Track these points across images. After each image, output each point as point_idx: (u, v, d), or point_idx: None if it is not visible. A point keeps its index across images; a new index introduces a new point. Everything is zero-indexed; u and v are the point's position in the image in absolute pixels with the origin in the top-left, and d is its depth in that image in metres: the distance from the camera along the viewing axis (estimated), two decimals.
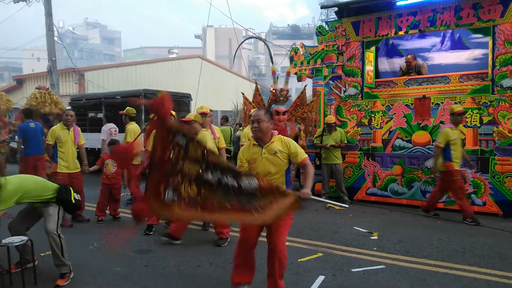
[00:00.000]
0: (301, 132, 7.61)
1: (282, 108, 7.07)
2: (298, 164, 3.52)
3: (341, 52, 8.38)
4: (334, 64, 8.73)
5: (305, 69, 9.27)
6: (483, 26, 6.85)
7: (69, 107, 12.42)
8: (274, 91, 7.22)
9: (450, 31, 8.22)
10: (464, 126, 6.95)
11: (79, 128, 6.74)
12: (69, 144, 6.35)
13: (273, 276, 3.46)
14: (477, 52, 8.14)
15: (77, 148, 6.56)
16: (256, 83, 8.51)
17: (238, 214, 3.12)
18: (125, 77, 22.58)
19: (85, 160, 6.65)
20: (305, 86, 8.40)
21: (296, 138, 7.36)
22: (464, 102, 7.01)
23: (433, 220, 6.51)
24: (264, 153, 3.49)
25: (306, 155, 3.54)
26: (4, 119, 9.93)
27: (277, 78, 7.75)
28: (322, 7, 10.08)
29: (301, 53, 9.39)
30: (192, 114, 5.67)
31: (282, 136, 3.60)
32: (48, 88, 11.53)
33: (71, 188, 4.31)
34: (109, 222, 6.53)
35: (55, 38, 15.71)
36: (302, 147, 7.53)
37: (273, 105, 7.12)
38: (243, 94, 8.10)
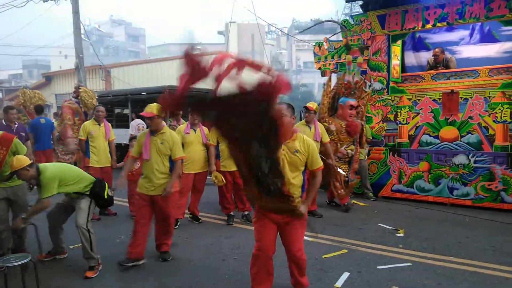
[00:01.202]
0: (363, 128, 7.02)
1: (355, 101, 6.70)
2: (312, 171, 3.35)
3: (366, 46, 8.26)
4: (363, 59, 8.60)
5: (329, 64, 9.19)
6: None
7: (97, 104, 12.67)
8: (348, 83, 6.74)
9: (480, 23, 7.98)
10: (494, 121, 6.77)
11: (109, 124, 6.89)
12: (100, 139, 6.51)
13: (294, 276, 3.49)
14: (508, 45, 7.88)
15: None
16: (329, 75, 7.89)
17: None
18: (150, 74, 22.87)
19: (113, 156, 6.80)
20: (365, 76, 7.90)
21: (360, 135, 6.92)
22: (494, 96, 6.81)
23: (461, 218, 6.37)
24: (283, 150, 3.20)
25: (322, 165, 3.35)
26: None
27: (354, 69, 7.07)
28: (347, 1, 9.93)
29: (325, 47, 9.31)
30: (154, 106, 4.41)
31: (304, 135, 3.37)
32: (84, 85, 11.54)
33: (106, 184, 4.44)
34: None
35: (82, 36, 16.01)
36: (363, 143, 7.11)
37: (343, 99, 6.72)
38: (324, 86, 7.39)
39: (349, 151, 6.70)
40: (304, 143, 3.27)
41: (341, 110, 6.73)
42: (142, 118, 10.46)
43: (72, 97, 9.39)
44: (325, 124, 6.61)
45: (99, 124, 6.58)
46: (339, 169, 6.56)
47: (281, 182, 2.91)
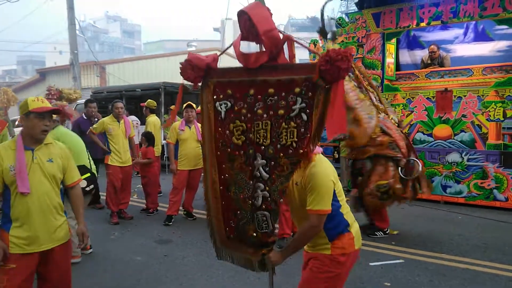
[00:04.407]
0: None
1: None
2: (307, 211, 2.29)
3: (361, 44, 8.27)
4: (354, 57, 8.61)
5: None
6: (509, 17, 6.66)
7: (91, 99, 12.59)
8: None
9: (474, 22, 8.02)
10: (487, 120, 6.81)
11: (130, 120, 6.54)
12: (120, 137, 6.07)
13: None
14: (502, 44, 7.94)
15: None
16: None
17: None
18: (145, 70, 22.80)
19: (135, 152, 6.47)
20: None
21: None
22: (487, 95, 6.85)
23: (453, 215, 6.41)
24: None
25: (324, 208, 2.25)
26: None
27: None
28: None
29: (321, 45, 9.31)
30: (42, 99, 2.78)
31: (320, 160, 2.34)
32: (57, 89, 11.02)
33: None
34: (136, 214, 6.51)
35: (77, 32, 15.93)
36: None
37: None
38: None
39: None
40: (306, 172, 2.29)
41: None
42: (136, 114, 10.50)
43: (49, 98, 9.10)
44: None
45: (119, 121, 6.12)
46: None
47: (273, 222, 2.30)
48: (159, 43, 67.29)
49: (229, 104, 2.30)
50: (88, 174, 4.42)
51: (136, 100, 11.93)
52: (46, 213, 2.65)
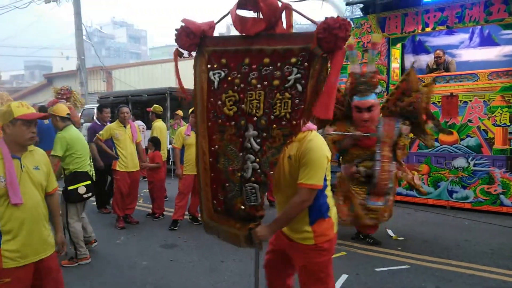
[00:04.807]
0: (402, 137, 4.91)
1: (365, 101, 4.82)
2: (298, 185, 2.24)
3: (366, 49, 8.28)
4: (359, 61, 8.60)
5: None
6: None
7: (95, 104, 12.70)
8: (352, 75, 5.10)
9: (479, 27, 8.01)
10: (493, 125, 6.79)
11: (136, 125, 6.54)
12: (127, 142, 6.03)
13: None
14: (508, 49, 7.91)
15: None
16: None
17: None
18: (151, 75, 22.94)
19: (143, 157, 6.41)
20: (413, 63, 6.40)
21: (394, 145, 4.93)
22: (493, 100, 6.83)
23: (460, 221, 6.38)
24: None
25: (317, 183, 2.22)
26: None
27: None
28: (347, 4, 9.98)
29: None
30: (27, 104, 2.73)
31: (317, 136, 2.30)
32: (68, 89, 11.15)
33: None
34: (142, 219, 6.56)
35: (84, 37, 16.09)
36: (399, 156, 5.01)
37: (354, 97, 4.97)
38: None
39: (361, 168, 4.97)
40: (302, 145, 2.25)
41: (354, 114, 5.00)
42: (142, 119, 10.57)
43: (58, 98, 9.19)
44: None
45: (125, 126, 6.10)
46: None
47: (262, 195, 2.27)
48: (164, 48, 67.56)
49: (222, 73, 2.29)
50: (89, 182, 4.49)
51: (142, 105, 12.03)
52: (38, 223, 2.60)
